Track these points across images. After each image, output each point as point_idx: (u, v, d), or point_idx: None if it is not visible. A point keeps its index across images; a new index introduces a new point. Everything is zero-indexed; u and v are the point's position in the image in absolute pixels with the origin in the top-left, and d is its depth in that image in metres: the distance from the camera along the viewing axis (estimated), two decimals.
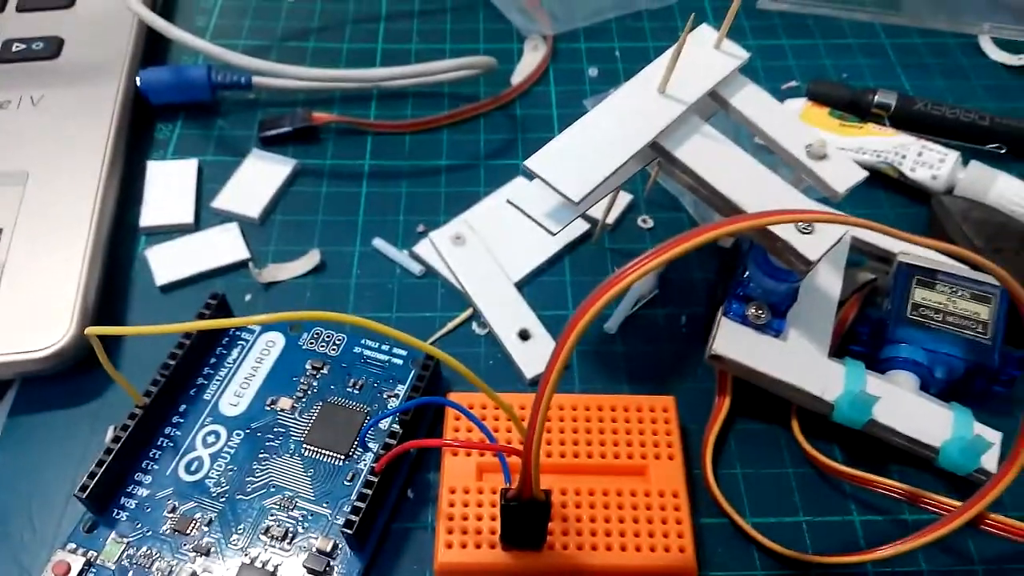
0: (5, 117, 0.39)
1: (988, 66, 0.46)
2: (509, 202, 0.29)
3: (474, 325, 0.35)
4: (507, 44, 0.46)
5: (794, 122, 0.32)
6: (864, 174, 0.30)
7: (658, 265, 0.21)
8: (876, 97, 0.41)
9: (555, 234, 0.29)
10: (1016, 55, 0.46)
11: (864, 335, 0.32)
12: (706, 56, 0.32)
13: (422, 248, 0.37)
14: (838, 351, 0.32)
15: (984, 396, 0.31)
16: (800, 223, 0.28)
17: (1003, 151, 0.40)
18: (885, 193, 0.39)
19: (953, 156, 0.38)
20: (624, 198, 0.39)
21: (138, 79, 0.42)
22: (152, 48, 0.45)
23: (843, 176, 0.30)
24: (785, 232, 0.27)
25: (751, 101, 0.32)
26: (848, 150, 0.39)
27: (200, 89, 0.42)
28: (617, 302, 0.35)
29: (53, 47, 0.42)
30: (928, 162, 0.38)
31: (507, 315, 0.34)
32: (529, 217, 0.29)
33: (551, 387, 0.21)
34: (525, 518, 0.25)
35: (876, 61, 0.46)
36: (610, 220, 0.38)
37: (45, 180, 0.36)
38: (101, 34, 0.43)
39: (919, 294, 0.32)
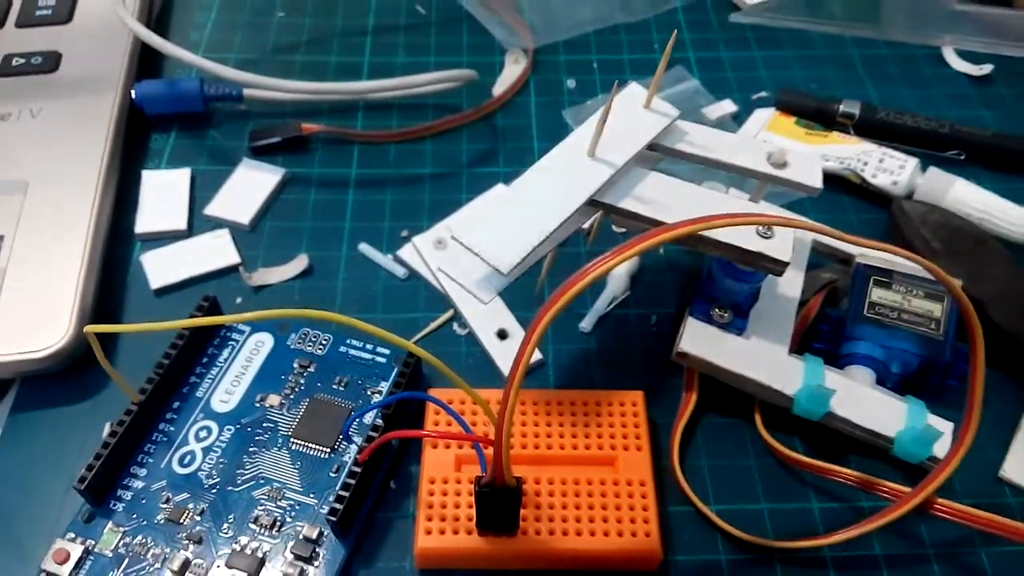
0: (6, 129, 0.40)
1: (951, 76, 0.48)
2: (440, 270, 0.30)
3: (455, 325, 0.36)
4: (489, 57, 0.48)
5: (745, 142, 0.33)
6: (822, 164, 0.31)
7: (617, 263, 0.23)
8: (841, 107, 0.43)
9: (487, 303, 0.29)
10: (978, 65, 0.48)
11: (825, 333, 0.34)
12: (636, 116, 0.32)
13: (406, 252, 0.38)
14: (800, 348, 0.34)
15: (939, 390, 0.33)
16: (761, 230, 0.29)
17: (962, 157, 0.42)
18: (848, 198, 0.41)
19: (912, 163, 0.40)
20: None
21: (133, 92, 0.43)
22: (147, 62, 0.46)
23: (811, 173, 0.32)
24: (753, 244, 0.29)
25: (697, 139, 0.33)
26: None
27: (193, 101, 0.43)
28: (592, 303, 0.37)
29: (51, 61, 0.44)
30: (889, 168, 0.40)
31: (486, 316, 0.36)
32: (461, 286, 0.29)
33: (520, 375, 0.23)
34: (498, 503, 0.27)
35: (844, 72, 0.48)
36: (586, 225, 0.39)
37: (44, 189, 0.38)
38: (98, 49, 0.45)
39: (876, 293, 0.34)
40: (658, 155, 0.33)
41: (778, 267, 0.29)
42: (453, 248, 0.29)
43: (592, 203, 0.30)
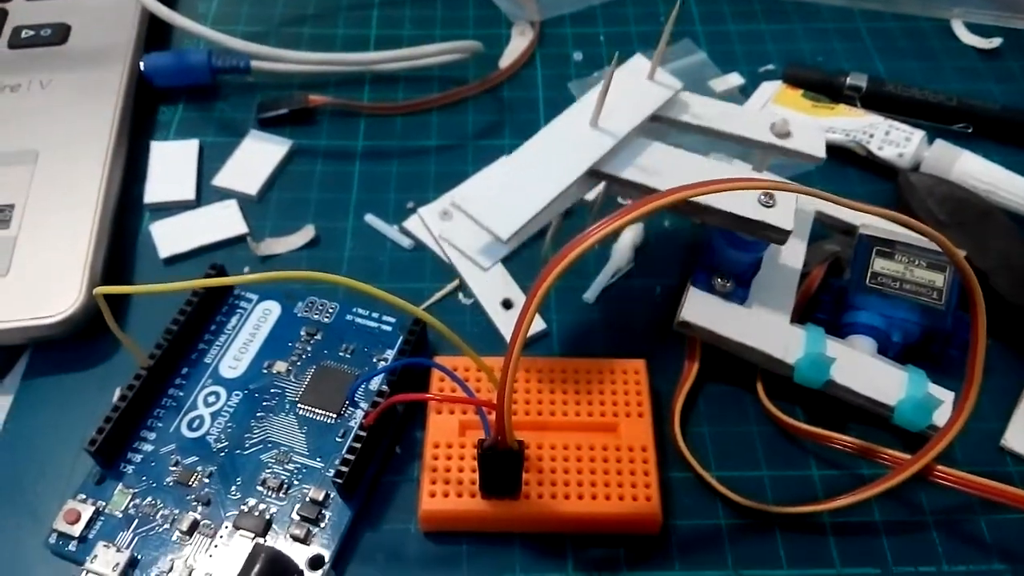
0: (16, 100, 0.41)
1: (960, 49, 0.47)
2: (442, 237, 0.30)
3: (460, 295, 0.37)
4: (496, 30, 0.48)
5: (748, 113, 0.33)
6: (828, 136, 0.32)
7: (614, 228, 0.23)
8: (848, 79, 0.43)
9: (487, 269, 0.29)
10: (987, 39, 0.47)
11: (826, 303, 0.34)
12: (639, 87, 0.32)
13: (411, 223, 0.39)
14: (803, 318, 0.34)
15: (940, 359, 0.33)
16: (762, 199, 0.30)
17: (969, 130, 0.42)
18: (854, 170, 0.41)
19: (919, 135, 0.40)
20: None
21: (142, 64, 0.43)
22: (155, 33, 0.46)
23: (815, 142, 0.32)
24: (755, 212, 0.29)
25: (702, 111, 0.33)
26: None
27: (201, 73, 0.44)
28: (596, 275, 0.37)
29: (60, 33, 0.44)
30: (895, 141, 0.40)
31: (491, 286, 0.36)
32: (462, 253, 0.29)
33: (522, 335, 0.23)
34: (500, 466, 0.27)
35: (852, 44, 0.48)
36: (590, 197, 0.40)
37: (54, 159, 0.38)
38: (106, 21, 0.45)
39: (878, 264, 0.34)
40: (662, 126, 0.33)
41: (780, 235, 0.29)
42: (456, 216, 0.29)
43: (593, 173, 0.30)
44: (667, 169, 0.30)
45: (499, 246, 0.29)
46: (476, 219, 0.28)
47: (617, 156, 0.30)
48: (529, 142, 0.31)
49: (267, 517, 0.29)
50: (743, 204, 0.29)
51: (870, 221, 0.35)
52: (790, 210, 0.29)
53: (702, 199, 0.29)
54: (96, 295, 0.26)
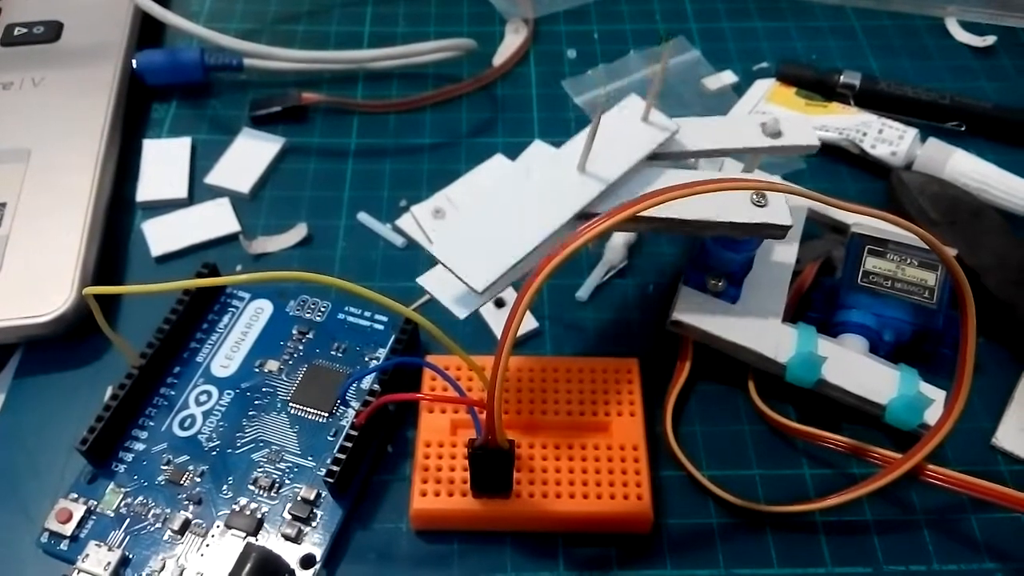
0: (8, 98, 0.41)
1: (953, 47, 0.47)
2: (419, 283, 0.28)
3: None
4: (490, 27, 0.48)
5: (738, 122, 0.33)
6: (821, 134, 0.32)
7: (608, 228, 0.23)
8: (841, 77, 0.43)
9: (463, 319, 0.28)
10: (980, 36, 0.47)
11: (819, 301, 0.34)
12: (631, 129, 0.31)
13: (404, 222, 0.39)
14: (795, 317, 0.34)
15: (932, 358, 0.33)
16: (754, 199, 0.30)
17: (962, 128, 0.42)
18: (847, 168, 0.41)
19: (912, 133, 0.40)
20: None
21: (134, 61, 0.43)
22: (148, 31, 0.46)
23: (806, 134, 0.32)
24: (752, 215, 0.29)
25: (692, 139, 0.31)
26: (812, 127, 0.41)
27: (194, 71, 0.44)
28: (589, 273, 0.37)
29: (53, 31, 0.44)
30: (888, 139, 0.40)
31: None
32: (439, 302, 0.29)
33: (512, 334, 0.23)
34: (491, 465, 0.27)
35: (846, 42, 0.48)
36: None
37: (46, 157, 0.38)
38: (99, 18, 0.45)
39: (870, 262, 0.34)
40: (655, 163, 0.31)
41: (780, 232, 0.29)
42: (434, 270, 0.29)
43: (583, 216, 0.29)
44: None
45: (475, 296, 0.27)
46: (451, 269, 0.27)
47: (608, 198, 0.29)
48: (510, 182, 0.29)
49: (259, 516, 0.29)
50: (738, 210, 0.29)
51: (862, 220, 0.35)
52: (784, 205, 0.29)
53: (699, 216, 0.29)
54: (86, 295, 0.26)
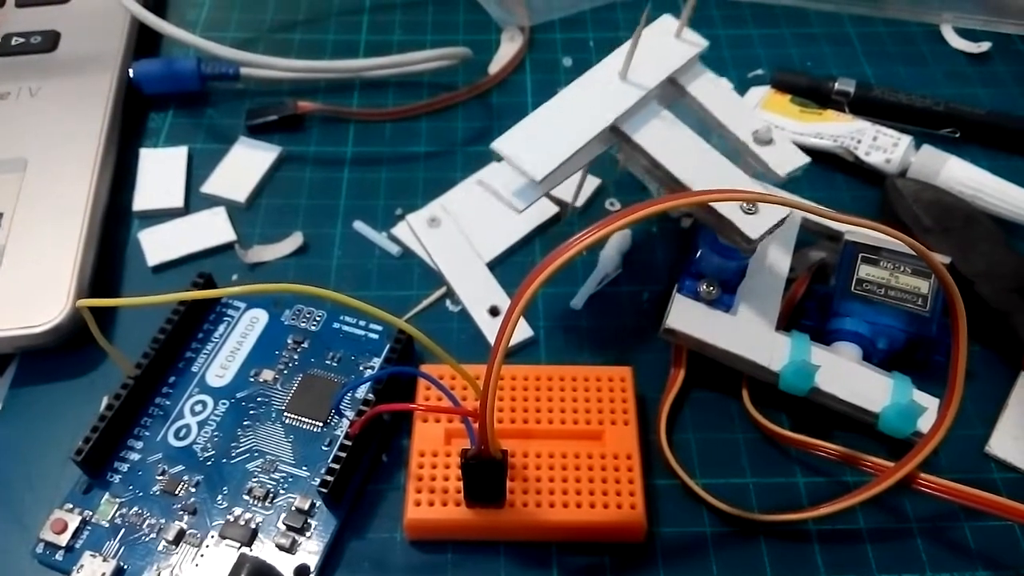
0: (5, 108, 0.41)
1: (949, 54, 0.48)
2: (480, 182, 0.31)
3: (448, 302, 0.37)
4: (485, 35, 0.48)
5: (745, 110, 0.34)
6: (807, 160, 0.33)
7: (602, 236, 0.23)
8: (836, 85, 0.43)
9: (521, 211, 0.31)
10: (975, 43, 0.47)
11: (812, 309, 0.34)
12: (667, 44, 0.34)
13: (400, 230, 0.39)
14: (789, 325, 0.34)
15: (926, 366, 0.33)
16: (745, 204, 0.30)
17: (957, 135, 0.42)
18: (841, 176, 0.41)
19: (906, 140, 0.40)
20: (592, 182, 0.41)
21: (131, 71, 0.43)
22: (144, 41, 0.46)
23: (786, 160, 0.32)
24: (730, 212, 0.29)
25: (707, 89, 0.34)
26: (806, 135, 0.41)
27: (190, 80, 0.44)
28: (583, 281, 0.37)
29: (50, 41, 0.44)
30: (882, 146, 0.40)
31: (479, 293, 0.36)
32: (497, 195, 0.31)
33: (504, 345, 0.23)
34: (484, 475, 0.27)
35: (841, 49, 0.48)
36: (579, 203, 0.40)
37: (43, 167, 0.38)
38: (96, 28, 0.45)
39: (864, 270, 0.34)
40: (676, 92, 0.34)
41: (748, 244, 0.29)
42: (494, 166, 0.32)
43: (613, 130, 0.32)
44: (673, 144, 0.32)
45: (533, 188, 0.30)
46: (511, 160, 0.30)
47: (635, 116, 0.32)
48: (563, 91, 0.33)
49: (253, 526, 0.29)
50: (728, 207, 0.29)
51: (855, 228, 0.35)
52: (767, 223, 0.29)
53: (688, 182, 0.31)
54: (80, 308, 0.26)
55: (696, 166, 0.31)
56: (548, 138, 0.31)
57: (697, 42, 0.35)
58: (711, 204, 0.29)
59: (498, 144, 0.31)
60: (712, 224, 0.30)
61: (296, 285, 0.26)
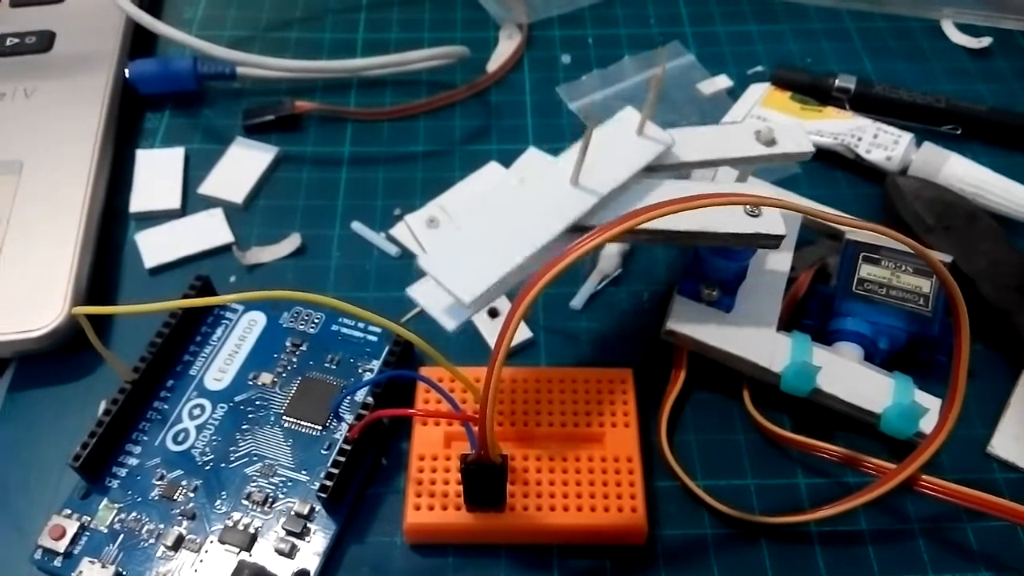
0: (0, 109, 0.41)
1: (949, 49, 0.47)
2: (407, 295, 0.28)
3: None
4: (483, 33, 0.48)
5: (732, 131, 0.33)
6: (815, 139, 0.32)
7: (604, 241, 0.23)
8: (836, 81, 0.43)
9: (452, 331, 0.28)
10: (976, 38, 0.47)
11: (814, 309, 0.34)
12: (626, 142, 0.31)
13: (398, 231, 0.39)
14: (790, 325, 0.34)
15: (928, 366, 0.33)
16: (748, 209, 0.30)
17: (958, 132, 0.42)
18: (842, 173, 0.41)
19: (907, 138, 0.40)
20: None
21: (127, 71, 0.43)
22: (140, 40, 0.46)
23: (800, 140, 0.32)
24: (745, 226, 0.29)
25: (687, 150, 0.31)
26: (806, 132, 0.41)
27: (186, 80, 0.43)
28: (583, 280, 0.37)
29: (45, 41, 0.44)
30: (883, 144, 0.40)
31: None
32: (428, 314, 0.28)
33: (502, 355, 0.23)
34: (484, 480, 0.27)
35: (841, 45, 0.47)
36: None
37: (39, 169, 0.38)
38: (91, 28, 0.45)
39: (865, 270, 0.34)
40: (650, 175, 0.31)
41: (774, 241, 0.29)
42: (423, 281, 0.28)
43: (577, 228, 0.28)
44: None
45: (463, 308, 0.27)
46: (439, 280, 0.27)
47: (601, 210, 0.29)
48: (503, 193, 0.29)
49: (252, 531, 0.29)
50: (732, 220, 0.29)
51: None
52: (777, 215, 0.29)
53: (692, 227, 0.29)
54: (76, 315, 0.26)
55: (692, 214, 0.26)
56: (482, 253, 0.27)
57: (662, 139, 0.31)
58: (726, 232, 0.29)
59: (424, 262, 0.27)
60: (736, 243, 0.29)
61: (290, 292, 0.25)
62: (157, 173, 0.41)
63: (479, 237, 0.28)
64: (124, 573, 0.28)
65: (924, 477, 0.29)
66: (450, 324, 0.28)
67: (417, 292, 0.29)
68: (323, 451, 0.31)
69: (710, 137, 0.32)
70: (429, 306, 0.28)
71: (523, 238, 0.28)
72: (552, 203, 0.29)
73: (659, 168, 0.31)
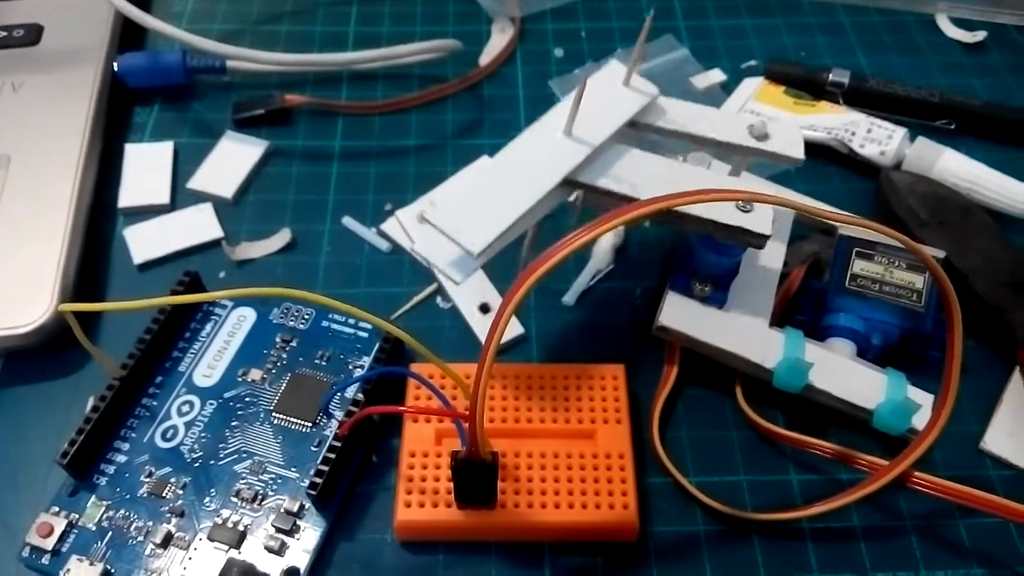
0: None
1: (944, 43, 0.47)
2: (414, 250, 0.29)
3: (438, 299, 0.36)
4: (476, 26, 0.48)
5: (726, 116, 0.33)
6: (808, 134, 0.32)
7: (596, 236, 0.23)
8: (830, 76, 0.43)
9: (459, 283, 0.29)
10: (971, 32, 0.47)
11: (806, 304, 0.34)
12: (615, 94, 0.32)
13: (389, 226, 0.38)
14: (783, 321, 0.34)
15: (921, 362, 0.33)
16: (739, 204, 0.29)
17: (952, 127, 0.42)
18: (836, 168, 0.41)
19: (900, 133, 0.40)
20: None
21: (115, 64, 0.43)
22: (129, 33, 0.46)
23: (793, 143, 0.32)
24: (732, 218, 0.29)
25: (676, 116, 0.32)
26: (800, 127, 0.41)
27: (176, 73, 0.43)
28: (575, 276, 0.37)
29: (33, 34, 0.44)
30: (877, 139, 0.40)
31: (469, 290, 0.36)
32: (434, 267, 0.29)
33: (491, 353, 0.23)
34: (474, 477, 0.27)
35: (835, 39, 0.47)
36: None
37: (26, 163, 0.38)
38: (79, 21, 0.44)
39: (858, 265, 0.33)
40: (639, 132, 0.32)
41: (758, 240, 0.29)
42: (429, 228, 0.29)
43: (568, 183, 0.29)
44: (643, 176, 0.30)
45: (471, 260, 0.28)
46: (446, 233, 0.28)
47: (592, 165, 0.30)
48: (502, 151, 0.30)
49: (241, 529, 0.29)
50: (721, 210, 0.29)
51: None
52: (768, 214, 0.29)
53: (683, 209, 0.29)
54: (63, 312, 0.26)
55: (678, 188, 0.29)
56: (486, 205, 0.29)
57: (647, 90, 0.32)
58: (713, 219, 0.29)
59: (431, 214, 0.28)
60: (720, 234, 0.29)
61: (278, 289, 0.25)
62: (146, 168, 0.40)
63: (482, 193, 0.29)
64: (113, 571, 0.28)
65: (917, 473, 0.29)
66: (457, 276, 0.29)
67: (423, 247, 0.29)
68: (313, 448, 0.31)
69: (703, 115, 0.32)
70: (436, 260, 0.29)
71: (523, 190, 0.29)
72: (548, 155, 0.30)
73: (649, 128, 0.32)
